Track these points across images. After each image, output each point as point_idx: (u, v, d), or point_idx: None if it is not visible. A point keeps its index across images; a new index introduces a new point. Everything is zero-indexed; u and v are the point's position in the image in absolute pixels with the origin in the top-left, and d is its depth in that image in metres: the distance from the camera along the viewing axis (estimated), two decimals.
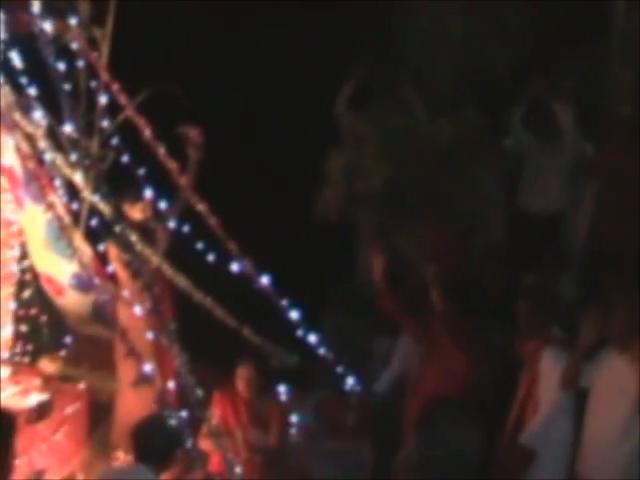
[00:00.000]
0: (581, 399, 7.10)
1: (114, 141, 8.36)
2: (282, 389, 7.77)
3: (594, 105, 9.97)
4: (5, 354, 8.04)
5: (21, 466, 7.09)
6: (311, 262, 9.17)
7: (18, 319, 8.28)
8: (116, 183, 8.17)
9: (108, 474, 7.12)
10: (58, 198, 7.94)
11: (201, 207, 7.86)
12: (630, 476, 6.79)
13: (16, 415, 6.56)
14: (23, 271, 8.29)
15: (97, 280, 7.69)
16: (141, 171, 7.95)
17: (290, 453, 7.83)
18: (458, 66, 10.22)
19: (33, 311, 8.42)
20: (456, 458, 5.17)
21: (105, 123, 8.51)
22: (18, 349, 8.27)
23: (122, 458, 7.95)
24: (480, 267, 8.82)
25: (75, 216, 8.21)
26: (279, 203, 9.30)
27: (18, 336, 8.28)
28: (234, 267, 7.55)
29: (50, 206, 7.61)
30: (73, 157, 7.98)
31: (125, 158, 8.05)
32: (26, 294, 8.38)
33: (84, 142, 8.46)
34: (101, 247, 8.11)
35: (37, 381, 7.91)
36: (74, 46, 8.36)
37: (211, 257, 7.57)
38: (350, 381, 7.73)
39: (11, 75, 8.04)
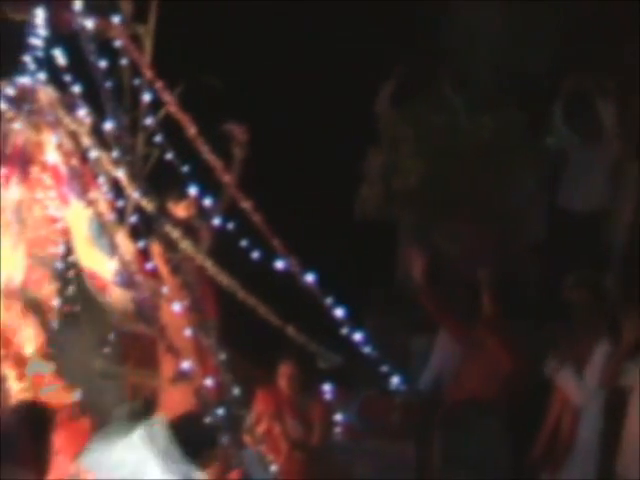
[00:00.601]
0: (622, 398, 6.92)
1: (158, 138, 8.22)
2: (326, 388, 7.60)
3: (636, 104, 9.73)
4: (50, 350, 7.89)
5: (63, 462, 6.94)
6: (354, 260, 9.01)
7: (62, 315, 8.11)
8: (160, 181, 8.04)
9: None
10: (101, 195, 7.86)
11: (246, 204, 7.70)
12: None
13: (56, 410, 6.44)
14: (67, 267, 8.15)
15: (138, 277, 7.56)
16: (185, 168, 7.80)
17: (333, 452, 7.69)
18: (498, 64, 10.01)
19: (77, 307, 8.25)
20: (480, 460, 5.05)
21: (149, 120, 8.37)
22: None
23: None
24: (520, 266, 8.66)
25: (120, 213, 8.06)
26: (324, 201, 9.14)
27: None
28: (279, 265, 7.34)
29: (92, 203, 7.48)
30: (116, 154, 7.84)
31: (169, 155, 7.90)
32: (70, 290, 8.22)
33: (127, 139, 8.36)
34: (143, 244, 7.95)
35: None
36: (117, 44, 8.23)
37: (256, 254, 7.38)
38: (395, 380, 7.55)
39: (55, 73, 7.94)
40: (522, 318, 7.71)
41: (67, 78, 7.92)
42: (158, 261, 8.16)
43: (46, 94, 7.86)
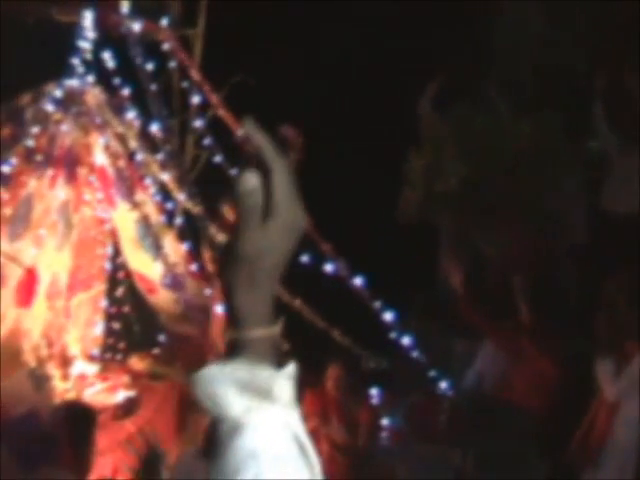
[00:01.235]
0: None
1: (207, 141, 8.07)
2: (373, 391, 7.39)
3: None
4: (96, 351, 7.76)
5: (106, 463, 6.81)
6: (398, 264, 8.80)
7: (110, 316, 8.00)
8: (208, 183, 7.88)
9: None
10: (149, 197, 7.75)
11: None
12: None
13: (98, 411, 6.30)
14: (116, 269, 8.02)
15: (185, 279, 7.41)
16: (234, 171, 7.61)
17: (378, 456, 7.46)
18: (541, 65, 9.75)
19: (125, 308, 8.14)
20: (515, 464, 4.84)
21: (197, 123, 8.22)
22: (109, 346, 7.99)
23: None
24: (561, 270, 8.38)
25: (168, 216, 7.95)
26: (371, 203, 8.94)
27: (109, 333, 8.00)
28: (328, 268, 7.18)
29: (139, 205, 7.34)
30: (162, 156, 7.71)
31: (218, 158, 7.74)
32: (118, 292, 8.10)
33: (175, 142, 8.23)
34: (187, 246, 7.80)
35: (125, 378, 7.63)
36: (166, 46, 8.09)
37: (305, 258, 7.22)
38: (442, 385, 7.31)
39: (103, 75, 7.84)
40: (563, 323, 7.44)
41: (115, 80, 7.83)
42: (209, 263, 8.00)
43: (94, 96, 7.77)
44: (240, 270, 1.89)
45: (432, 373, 7.38)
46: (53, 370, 7.17)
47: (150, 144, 7.89)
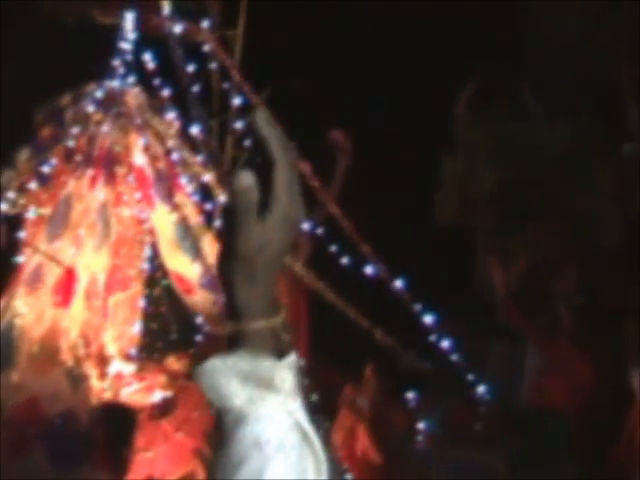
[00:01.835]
0: None
1: (247, 142, 7.99)
2: (410, 395, 7.29)
3: None
4: (133, 350, 7.70)
5: (142, 462, 6.75)
6: (436, 266, 8.69)
7: (147, 316, 7.93)
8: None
9: None
10: (188, 198, 7.69)
11: (335, 210, 7.42)
12: None
13: (137, 411, 6.25)
14: (154, 269, 7.96)
15: None
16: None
17: (413, 459, 7.37)
18: (576, 68, 9.61)
19: (163, 309, 8.06)
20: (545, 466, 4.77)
21: (237, 124, 8.15)
22: (146, 346, 7.92)
23: None
24: (597, 274, 8.24)
25: (207, 217, 7.88)
26: (411, 206, 8.84)
27: (147, 333, 7.94)
28: (368, 270, 7.09)
29: (177, 206, 7.28)
30: (203, 157, 7.65)
31: (258, 159, 7.63)
32: (156, 292, 8.04)
33: (215, 143, 8.17)
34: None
35: (162, 378, 7.56)
36: (206, 47, 8.03)
37: (345, 260, 7.13)
38: (480, 389, 7.19)
39: (144, 76, 7.79)
40: (602, 328, 7.31)
41: (156, 82, 7.78)
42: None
43: (134, 97, 7.74)
44: (239, 265, 1.86)
45: (470, 377, 7.24)
46: (90, 369, 7.13)
47: (189, 145, 7.84)
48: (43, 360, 6.90)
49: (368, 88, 9.27)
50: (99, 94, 7.64)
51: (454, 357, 7.26)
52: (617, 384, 7.01)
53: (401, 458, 7.30)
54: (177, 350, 7.99)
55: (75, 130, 7.52)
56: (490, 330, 8.07)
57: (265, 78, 7.89)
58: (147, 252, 7.86)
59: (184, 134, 7.85)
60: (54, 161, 7.48)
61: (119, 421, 5.83)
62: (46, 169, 7.41)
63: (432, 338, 7.23)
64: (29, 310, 7.14)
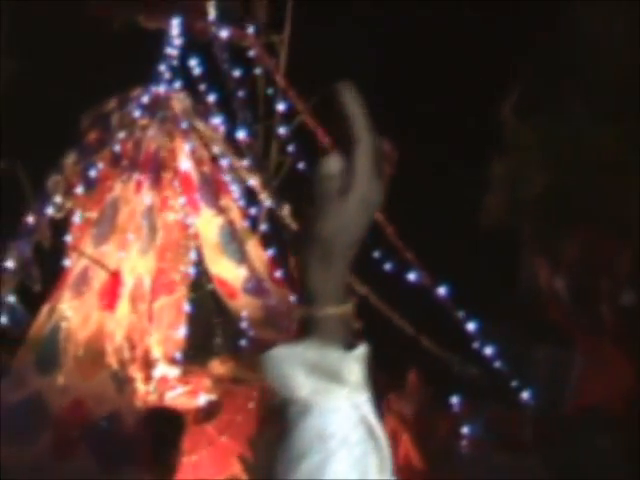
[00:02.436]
0: None
1: (291, 148, 7.95)
2: (455, 400, 7.19)
3: None
4: (178, 354, 7.67)
5: (186, 465, 6.71)
6: (480, 272, 8.58)
7: (192, 320, 7.90)
8: (293, 190, 7.75)
9: None
10: (233, 203, 7.65)
11: (379, 216, 7.35)
12: None
13: (184, 416, 6.22)
14: (198, 273, 7.93)
15: (269, 285, 7.28)
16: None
17: (457, 464, 7.26)
18: (624, 70, 9.45)
19: (207, 313, 8.03)
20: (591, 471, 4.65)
21: (282, 129, 8.10)
22: (191, 350, 7.89)
23: None
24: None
25: (252, 221, 7.84)
26: (453, 211, 8.74)
27: (192, 337, 7.90)
28: (411, 277, 7.01)
29: (223, 210, 7.24)
30: (248, 162, 7.61)
31: (302, 165, 7.61)
32: (201, 296, 8.01)
33: (260, 148, 8.13)
34: (271, 252, 7.68)
35: (207, 382, 7.52)
36: (251, 53, 8.00)
37: (388, 266, 7.06)
38: (524, 395, 7.08)
39: (189, 82, 7.78)
40: None
41: (201, 87, 7.76)
42: (292, 270, 7.85)
43: (180, 102, 7.72)
44: (315, 249, 1.80)
45: (514, 383, 7.15)
46: (135, 373, 7.10)
47: (235, 150, 7.80)
48: (88, 363, 6.89)
49: (417, 91, 9.19)
50: (145, 99, 7.63)
51: (498, 363, 7.17)
52: None
53: (444, 463, 7.21)
54: (222, 354, 7.98)
55: (121, 135, 7.52)
56: (535, 334, 7.98)
57: (312, 83, 7.84)
58: (192, 256, 7.86)
59: (229, 139, 7.82)
60: (100, 165, 7.48)
61: (169, 424, 5.79)
62: (92, 173, 7.41)
63: (476, 345, 7.15)
64: (75, 313, 7.14)
